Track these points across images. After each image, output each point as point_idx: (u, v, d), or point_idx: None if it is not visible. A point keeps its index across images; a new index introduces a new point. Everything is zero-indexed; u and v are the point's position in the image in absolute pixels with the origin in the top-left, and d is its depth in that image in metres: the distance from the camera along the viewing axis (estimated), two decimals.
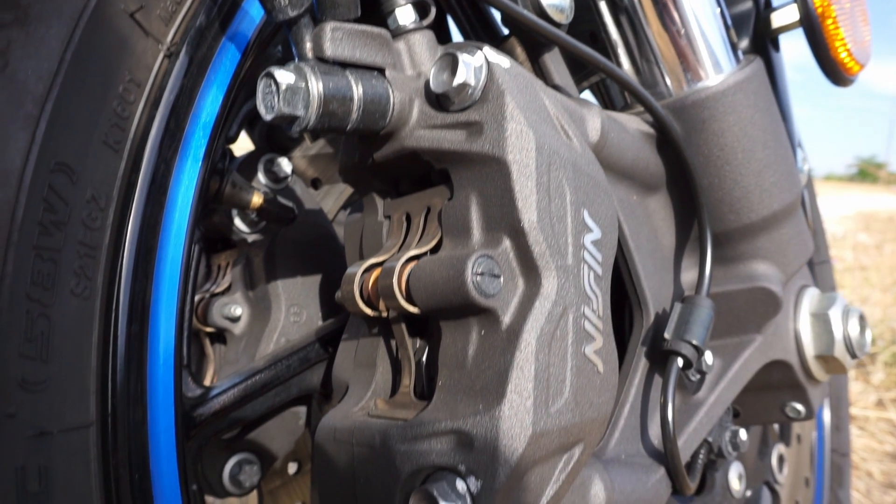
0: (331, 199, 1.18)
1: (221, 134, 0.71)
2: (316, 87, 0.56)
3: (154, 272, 0.56)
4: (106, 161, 0.53)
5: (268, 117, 0.56)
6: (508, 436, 0.54)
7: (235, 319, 0.96)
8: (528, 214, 0.58)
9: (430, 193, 0.67)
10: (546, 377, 0.56)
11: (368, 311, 0.65)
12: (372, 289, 0.65)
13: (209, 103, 0.65)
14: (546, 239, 0.59)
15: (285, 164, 0.99)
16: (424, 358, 0.67)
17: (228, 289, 0.99)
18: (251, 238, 0.97)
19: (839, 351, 0.87)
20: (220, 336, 1.01)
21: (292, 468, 1.16)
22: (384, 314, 0.65)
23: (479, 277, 0.57)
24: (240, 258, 0.99)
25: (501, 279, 0.58)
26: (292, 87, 0.55)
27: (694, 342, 0.73)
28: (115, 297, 0.53)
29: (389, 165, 0.67)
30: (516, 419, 0.55)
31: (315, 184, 1.18)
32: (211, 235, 1.05)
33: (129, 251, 0.54)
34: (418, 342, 0.68)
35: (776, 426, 1.22)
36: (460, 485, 0.55)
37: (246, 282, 0.98)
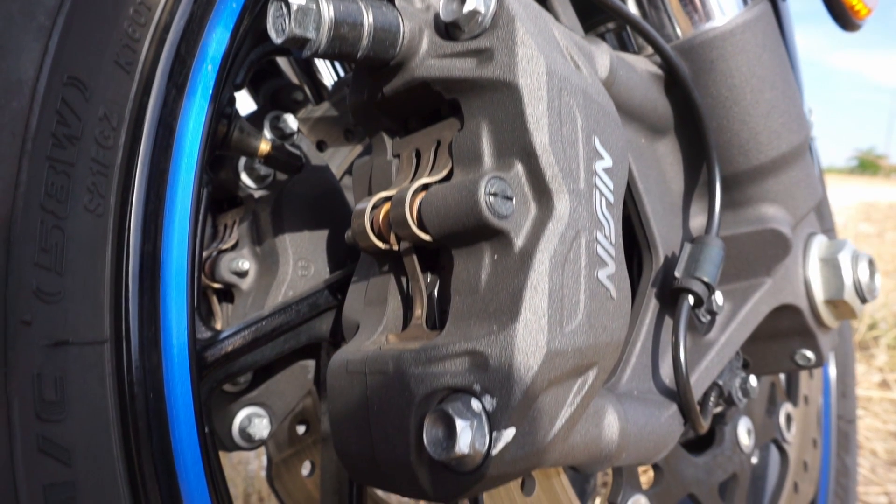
0: (335, 162, 1.18)
1: (229, 76, 0.71)
2: (327, 9, 0.56)
3: (166, 195, 0.56)
4: (118, 81, 0.53)
5: (279, 40, 0.56)
6: (523, 353, 0.54)
7: (243, 274, 0.95)
8: (540, 137, 0.58)
9: (439, 127, 0.67)
10: (560, 297, 0.56)
11: (380, 244, 0.65)
12: (383, 221, 0.65)
13: (217, 38, 0.65)
14: (558, 162, 0.58)
15: (291, 121, 0.99)
16: (436, 292, 0.67)
17: (236, 245, 0.99)
18: (258, 194, 0.97)
19: (849, 295, 0.87)
20: (227, 294, 1.01)
21: (300, 429, 1.17)
22: (395, 247, 0.65)
23: (491, 198, 0.56)
24: (246, 215, 0.99)
25: (514, 202, 0.58)
26: (303, 9, 0.55)
27: (705, 279, 0.73)
28: (128, 217, 0.53)
29: (399, 99, 0.67)
30: (531, 337, 0.54)
31: (320, 147, 1.18)
32: (217, 196, 1.05)
33: (142, 172, 0.54)
34: (429, 276, 0.67)
35: (783, 384, 1.22)
36: (475, 404, 0.55)
37: (253, 237, 0.97)
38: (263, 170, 0.95)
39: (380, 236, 0.65)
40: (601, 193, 0.62)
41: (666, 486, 0.90)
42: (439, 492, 0.57)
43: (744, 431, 1.06)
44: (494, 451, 0.54)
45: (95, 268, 0.50)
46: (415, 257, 0.65)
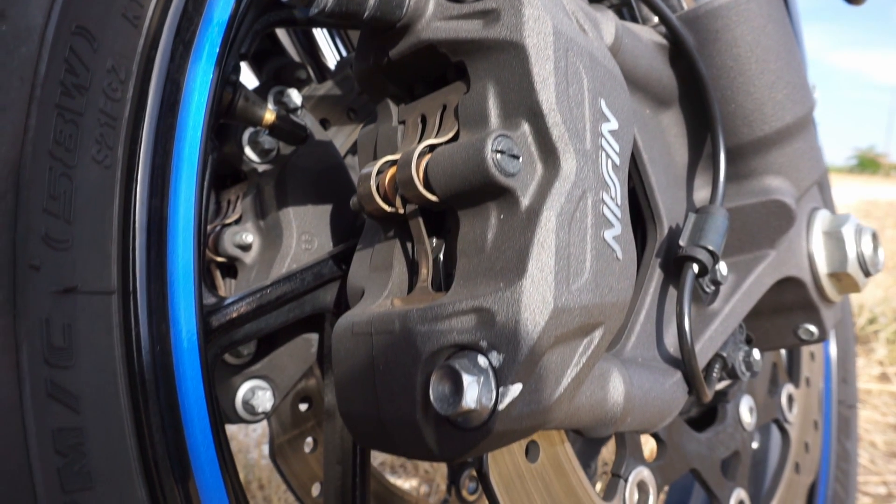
0: (339, 141, 1.18)
1: (234, 41, 0.71)
2: None
3: (173, 151, 0.56)
4: (126, 34, 0.53)
5: None
6: (530, 309, 0.54)
7: (246, 247, 0.95)
8: (547, 95, 0.58)
9: (445, 92, 0.67)
10: (566, 255, 0.56)
11: (385, 206, 0.65)
12: (389, 184, 0.65)
13: (222, 4, 0.65)
14: (564, 121, 0.58)
15: (295, 96, 0.99)
16: (441, 255, 0.67)
17: (239, 219, 0.99)
18: (261, 168, 0.96)
19: (852, 268, 0.87)
20: (230, 269, 1.01)
21: (303, 407, 1.17)
22: (400, 211, 0.65)
23: (498, 155, 0.56)
24: (250, 189, 0.99)
25: (520, 160, 0.58)
26: None
27: (709, 247, 0.72)
28: (136, 170, 0.53)
29: (405, 64, 0.67)
30: (538, 293, 0.54)
31: (323, 125, 1.17)
32: (220, 171, 1.05)
33: (150, 127, 0.54)
34: (435, 241, 0.67)
35: (785, 364, 1.23)
36: (482, 360, 0.55)
37: (257, 211, 0.97)
38: (267, 143, 0.95)
39: (385, 199, 0.66)
40: (607, 155, 0.62)
41: (669, 459, 0.91)
42: (445, 450, 0.57)
43: (746, 409, 1.07)
44: (501, 407, 0.54)
45: (103, 219, 0.50)
46: (420, 220, 0.65)
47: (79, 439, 0.46)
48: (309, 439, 1.15)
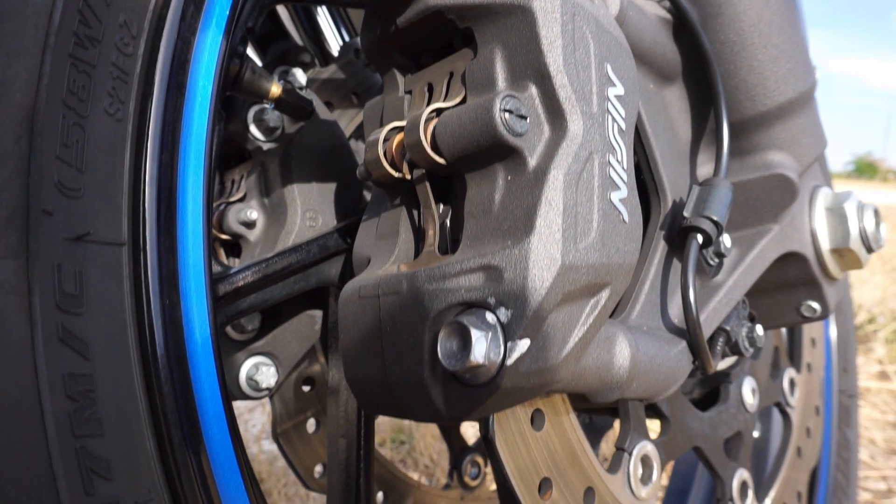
0: (342, 124, 1.18)
1: (242, 11, 0.71)
2: None
3: (184, 109, 0.56)
4: None
5: None
6: (538, 266, 0.54)
7: (251, 224, 0.96)
8: (554, 58, 0.58)
9: (452, 59, 0.67)
10: (574, 214, 0.57)
11: (393, 172, 0.66)
12: (396, 149, 0.65)
13: None
14: (571, 83, 0.59)
15: (300, 75, 0.99)
16: (448, 221, 0.67)
17: (244, 198, 0.99)
18: (266, 146, 0.97)
19: (855, 243, 0.87)
20: (234, 248, 1.01)
21: (305, 389, 1.17)
22: (407, 176, 0.66)
23: (506, 115, 0.57)
24: (254, 168, 0.99)
25: (528, 121, 0.58)
26: None
27: (714, 217, 0.73)
28: (147, 125, 0.53)
29: (412, 32, 0.67)
30: (545, 250, 0.55)
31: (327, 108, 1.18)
32: (225, 152, 1.05)
33: (161, 83, 0.54)
34: (441, 207, 0.68)
35: (787, 350, 1.23)
36: (490, 317, 0.55)
37: (261, 189, 0.98)
38: (272, 121, 0.95)
39: (393, 165, 0.66)
40: (613, 119, 0.63)
41: (673, 436, 0.91)
42: (452, 408, 0.57)
43: (748, 390, 1.07)
44: (509, 362, 0.54)
45: (114, 171, 0.51)
46: (427, 184, 0.65)
47: (89, 386, 0.46)
48: (312, 421, 1.15)
